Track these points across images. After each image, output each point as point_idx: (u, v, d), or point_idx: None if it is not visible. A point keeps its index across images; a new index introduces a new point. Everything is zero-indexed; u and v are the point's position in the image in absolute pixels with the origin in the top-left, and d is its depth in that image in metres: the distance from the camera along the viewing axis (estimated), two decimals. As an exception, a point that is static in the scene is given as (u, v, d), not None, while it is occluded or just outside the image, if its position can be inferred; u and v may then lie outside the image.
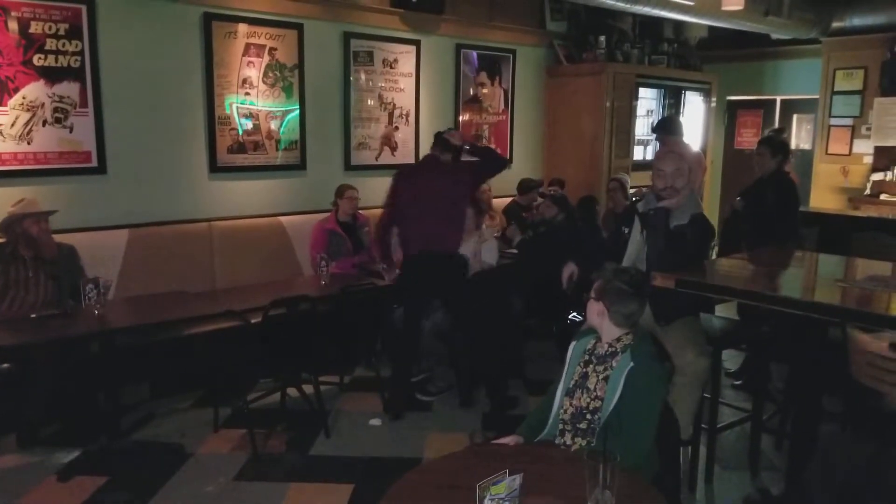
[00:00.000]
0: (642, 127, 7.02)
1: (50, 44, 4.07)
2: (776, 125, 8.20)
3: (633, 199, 5.37)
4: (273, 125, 5.13)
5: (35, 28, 4.01)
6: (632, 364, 2.13)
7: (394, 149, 5.92)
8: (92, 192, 4.33)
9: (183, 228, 4.65)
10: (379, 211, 5.31)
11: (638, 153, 7.07)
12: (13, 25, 3.94)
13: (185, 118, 4.71)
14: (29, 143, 4.05)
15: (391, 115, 5.85)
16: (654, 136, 5.94)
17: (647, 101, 7.14)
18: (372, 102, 5.71)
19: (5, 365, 3.38)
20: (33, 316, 3.41)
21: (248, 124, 5.00)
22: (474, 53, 6.41)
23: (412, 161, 5.91)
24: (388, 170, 5.79)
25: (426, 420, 4.00)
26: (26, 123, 4.03)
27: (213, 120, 4.80)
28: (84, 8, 4.15)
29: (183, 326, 3.83)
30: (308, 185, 5.37)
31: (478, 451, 2.45)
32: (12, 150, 4.01)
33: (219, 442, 3.67)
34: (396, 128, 5.91)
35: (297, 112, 5.24)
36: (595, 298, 2.25)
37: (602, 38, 6.80)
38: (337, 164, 5.58)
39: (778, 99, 8.44)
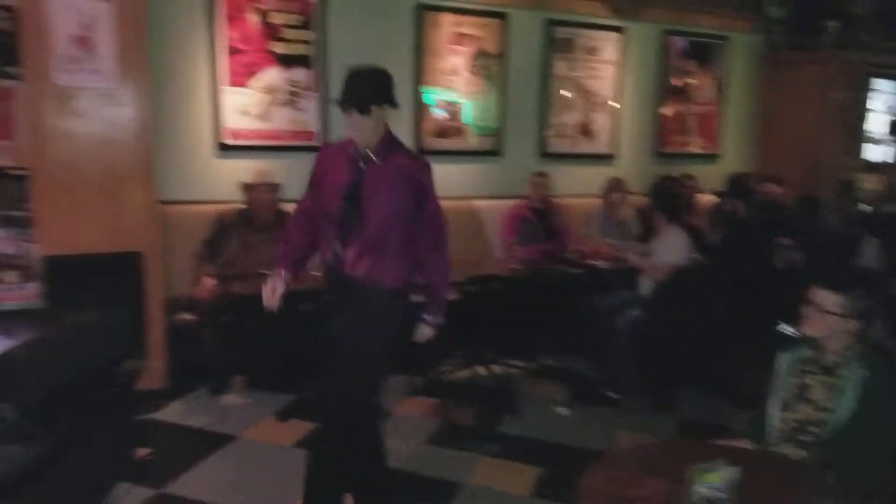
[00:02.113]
0: (879, 124, 6.37)
1: (286, 33, 4.65)
2: None
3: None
4: (473, 112, 5.40)
5: (275, 19, 4.60)
6: (865, 374, 2.04)
7: (590, 137, 5.95)
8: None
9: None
10: (573, 200, 5.44)
11: (871, 153, 6.44)
12: (257, 17, 4.55)
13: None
14: (267, 122, 4.67)
15: (589, 103, 5.89)
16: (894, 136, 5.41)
17: (885, 96, 6.46)
18: (570, 90, 5.79)
19: (190, 317, 3.94)
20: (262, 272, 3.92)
21: (449, 110, 5.31)
22: (682, 40, 6.24)
23: (607, 150, 5.94)
24: (583, 158, 5.91)
25: (615, 417, 4.00)
26: (265, 104, 4.65)
27: (419, 105, 5.18)
28: (316, 0, 4.69)
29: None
30: (503, 171, 5.59)
31: (687, 444, 2.45)
32: (254, 126, 4.64)
33: (412, 406, 3.99)
34: (594, 116, 5.94)
35: (497, 99, 5.47)
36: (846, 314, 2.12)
37: (830, 23, 6.27)
38: (532, 151, 5.74)
39: None
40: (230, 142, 4.57)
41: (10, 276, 4.10)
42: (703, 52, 6.35)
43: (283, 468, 3.25)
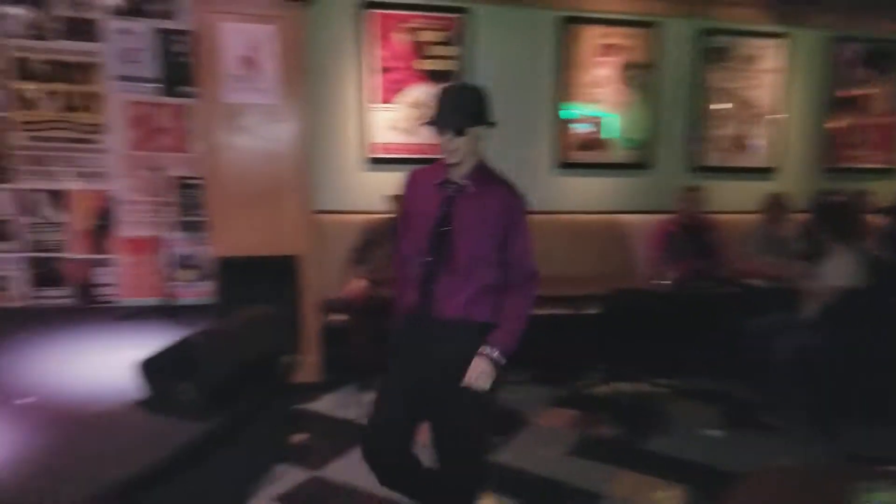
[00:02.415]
0: None
1: (433, 50, 4.86)
2: None
3: None
4: (620, 124, 5.33)
5: (421, 37, 4.83)
6: None
7: (747, 150, 5.65)
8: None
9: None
10: (729, 216, 5.18)
11: None
12: (405, 36, 4.80)
13: (535, 115, 5.17)
14: (413, 135, 4.89)
15: (747, 114, 5.61)
16: None
17: None
18: (726, 101, 5.54)
19: (341, 318, 4.10)
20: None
21: (593, 123, 5.27)
22: (855, 46, 5.79)
23: (767, 164, 5.60)
24: (739, 173, 5.62)
25: (773, 443, 3.74)
26: (412, 118, 4.87)
27: (560, 118, 5.18)
28: (461, 18, 4.87)
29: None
30: (651, 185, 5.44)
31: (843, 467, 2.26)
32: (401, 140, 4.88)
33: (554, 417, 3.96)
34: (752, 128, 5.64)
35: (646, 111, 5.36)
36: None
37: None
38: (683, 164, 5.55)
39: None
40: (377, 155, 4.84)
41: (189, 274, 4.60)
42: (880, 59, 5.85)
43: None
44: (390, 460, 2.32)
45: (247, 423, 3.01)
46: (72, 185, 4.46)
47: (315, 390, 4.09)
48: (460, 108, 2.20)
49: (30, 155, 4.38)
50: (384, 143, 4.85)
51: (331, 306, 4.25)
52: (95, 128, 4.41)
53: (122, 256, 4.57)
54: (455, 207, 2.23)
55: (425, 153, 4.90)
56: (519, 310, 2.30)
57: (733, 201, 5.45)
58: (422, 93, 4.86)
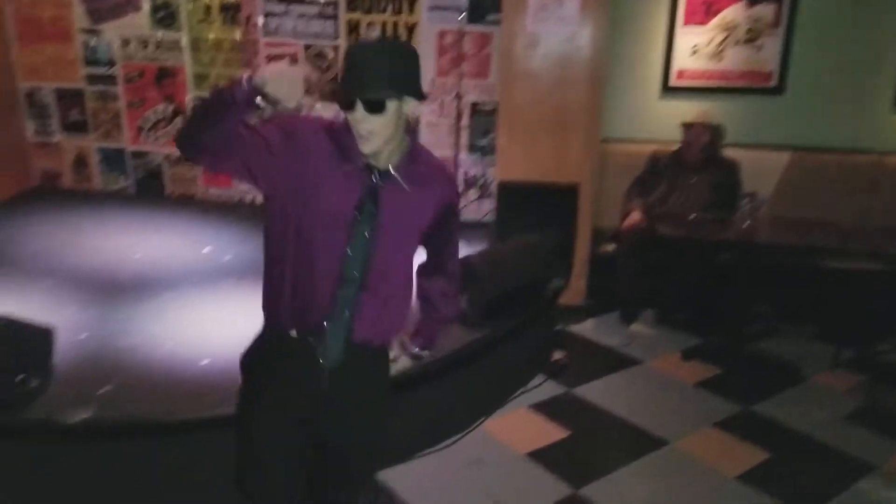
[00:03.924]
0: None
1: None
2: None
3: None
4: None
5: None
6: None
7: None
8: (765, 111, 4.66)
9: (849, 159, 4.55)
10: None
11: None
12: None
13: (877, 46, 4.52)
14: (718, 62, 4.65)
15: None
16: None
17: None
18: None
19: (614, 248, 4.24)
20: (692, 216, 4.08)
21: None
22: None
23: None
24: None
25: None
26: (720, 43, 4.62)
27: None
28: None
29: (822, 256, 3.98)
30: None
31: None
32: (703, 67, 4.67)
33: (834, 379, 3.74)
34: None
35: None
36: None
37: None
38: None
39: None
40: (677, 83, 4.72)
41: (472, 193, 5.10)
42: None
43: (682, 402, 3.51)
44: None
45: (515, 336, 3.43)
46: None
47: (579, 314, 4.35)
48: (377, 74, 1.56)
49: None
50: (686, 70, 4.70)
51: (604, 236, 4.43)
52: (408, 55, 4.99)
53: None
54: (380, 205, 1.66)
55: (730, 80, 4.66)
56: (450, 313, 1.99)
57: None
58: (737, 14, 4.54)
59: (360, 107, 1.55)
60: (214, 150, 1.56)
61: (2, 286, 3.55)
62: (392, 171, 1.66)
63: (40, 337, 2.67)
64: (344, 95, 1.57)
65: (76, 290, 3.55)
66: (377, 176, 1.65)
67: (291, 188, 1.63)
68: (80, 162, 5.40)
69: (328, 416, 1.77)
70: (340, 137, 1.64)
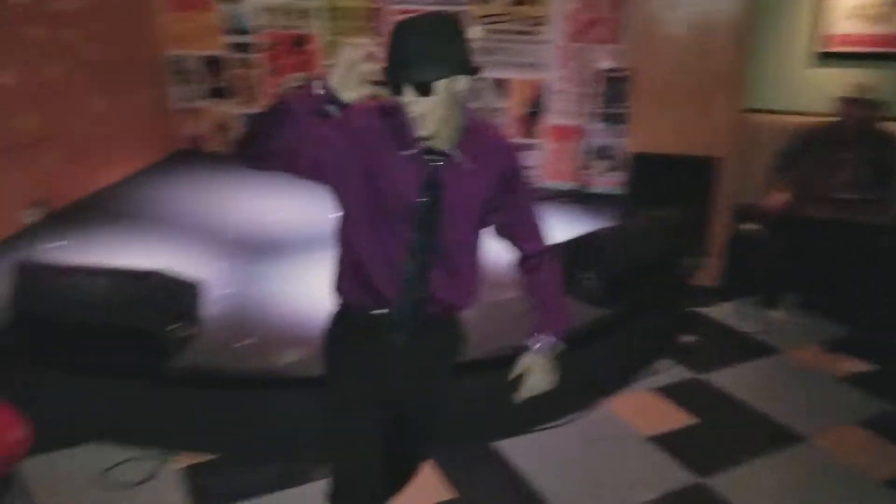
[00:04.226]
0: None
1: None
2: None
3: None
4: None
5: None
6: None
7: None
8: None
9: None
10: None
11: None
12: None
13: None
14: (884, 24, 4.20)
15: None
16: None
17: None
18: None
19: (755, 227, 3.98)
20: (846, 196, 3.78)
21: None
22: None
23: None
24: None
25: None
26: (885, 3, 4.17)
27: None
28: None
29: None
30: None
31: None
32: (865, 31, 4.25)
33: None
34: None
35: None
36: None
37: None
38: None
39: None
40: (831, 49, 4.33)
41: (602, 165, 4.96)
42: None
43: (824, 396, 3.29)
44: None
45: (640, 316, 3.33)
46: (513, 74, 5.09)
47: (713, 296, 4.16)
48: (421, 55, 1.50)
49: (482, 46, 5.11)
50: (842, 35, 4.30)
51: (745, 213, 4.17)
52: (538, 20, 4.89)
53: (546, 142, 5.13)
54: (442, 185, 1.66)
55: (888, 47, 4.22)
56: (559, 286, 1.91)
57: None
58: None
59: (409, 90, 1.52)
60: (285, 155, 1.55)
61: (154, 242, 3.84)
62: (450, 152, 1.64)
63: (190, 290, 2.88)
64: (391, 79, 1.53)
65: (220, 247, 3.79)
66: (437, 157, 1.64)
67: (356, 177, 1.64)
68: (222, 127, 5.71)
69: (405, 390, 1.85)
70: (396, 122, 1.62)
